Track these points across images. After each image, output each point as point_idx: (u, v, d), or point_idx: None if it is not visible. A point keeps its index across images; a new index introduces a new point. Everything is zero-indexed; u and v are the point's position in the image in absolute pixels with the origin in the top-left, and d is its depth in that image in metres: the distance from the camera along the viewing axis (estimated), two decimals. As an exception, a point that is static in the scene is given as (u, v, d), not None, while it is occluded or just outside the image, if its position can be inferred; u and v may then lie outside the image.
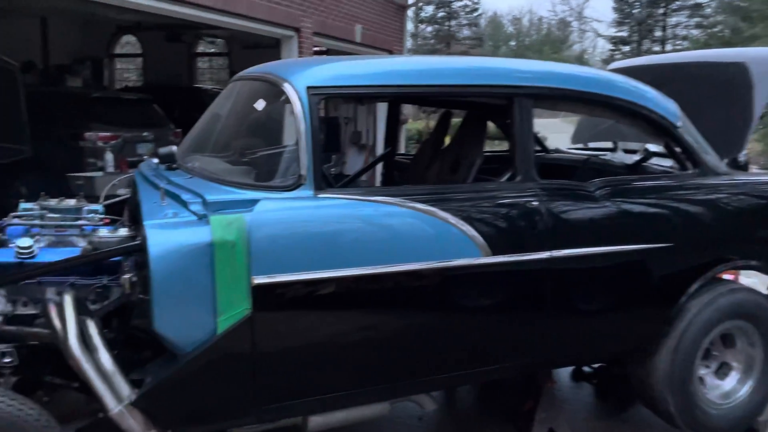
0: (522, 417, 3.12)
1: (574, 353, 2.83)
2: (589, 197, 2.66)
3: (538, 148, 3.68)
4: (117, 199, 3.20)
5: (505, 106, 2.62)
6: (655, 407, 2.93)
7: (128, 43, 15.64)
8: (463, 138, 3.16)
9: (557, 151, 4.04)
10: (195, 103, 9.13)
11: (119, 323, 2.45)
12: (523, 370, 2.87)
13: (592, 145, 4.05)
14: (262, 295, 2.12)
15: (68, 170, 6.00)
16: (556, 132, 9.20)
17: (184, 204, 2.22)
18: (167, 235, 2.08)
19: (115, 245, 2.35)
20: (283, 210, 2.20)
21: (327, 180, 2.32)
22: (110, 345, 2.27)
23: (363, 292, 2.26)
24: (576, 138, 4.21)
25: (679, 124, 2.88)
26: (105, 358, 2.08)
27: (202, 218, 2.13)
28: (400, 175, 3.68)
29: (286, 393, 2.23)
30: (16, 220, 2.63)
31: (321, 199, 2.25)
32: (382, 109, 9.29)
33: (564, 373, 3.72)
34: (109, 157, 6.79)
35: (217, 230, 2.09)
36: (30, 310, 2.41)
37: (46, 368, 2.33)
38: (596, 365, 3.61)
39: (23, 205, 2.68)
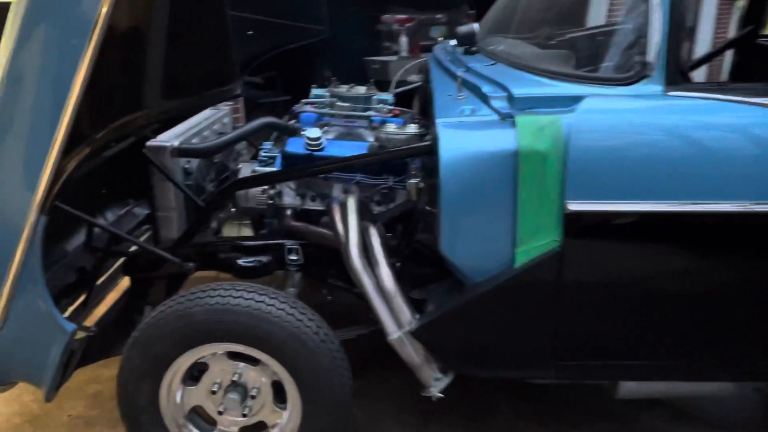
0: None
1: None
2: None
3: None
4: (407, 87, 2.90)
5: None
6: None
7: None
8: None
9: None
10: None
11: (403, 231, 2.18)
12: None
13: None
14: (578, 226, 1.60)
15: (366, 54, 6.01)
16: None
17: (484, 98, 1.76)
18: (462, 137, 1.66)
19: (403, 144, 2.02)
20: (618, 112, 1.60)
21: (682, 72, 1.63)
22: (392, 254, 2.02)
23: (726, 237, 1.61)
24: None
25: None
26: (386, 275, 1.82)
27: (506, 119, 1.65)
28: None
29: (595, 351, 1.75)
30: (308, 107, 2.48)
31: (674, 98, 1.59)
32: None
33: None
34: (403, 40, 6.64)
35: (524, 136, 1.60)
36: (317, 206, 2.27)
37: (330, 270, 2.19)
38: None
39: (315, 91, 2.51)
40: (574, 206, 1.58)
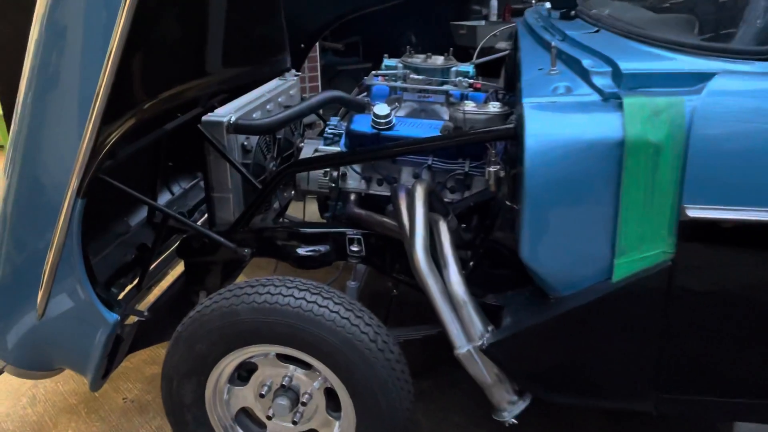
0: None
1: None
2: None
3: None
4: (491, 57, 2.59)
5: None
6: None
7: None
8: None
9: None
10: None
11: (479, 224, 1.91)
12: None
13: None
14: (697, 236, 1.29)
15: (454, 18, 5.66)
16: None
17: (584, 73, 1.45)
18: (554, 121, 1.37)
19: (482, 126, 1.75)
20: (758, 95, 1.26)
21: None
22: (465, 248, 1.77)
23: None
24: None
25: None
26: (456, 280, 1.57)
27: (610, 99, 1.34)
28: None
29: (707, 384, 1.44)
30: (378, 79, 2.24)
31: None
32: None
33: None
34: (493, 3, 6.21)
35: (633, 122, 1.29)
36: (384, 191, 2.04)
37: (394, 263, 1.97)
38: None
39: (387, 62, 2.26)
40: (693, 212, 1.27)
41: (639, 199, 1.31)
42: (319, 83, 4.90)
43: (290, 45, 3.08)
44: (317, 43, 4.90)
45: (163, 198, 2.62)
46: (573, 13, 1.75)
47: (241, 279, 1.99)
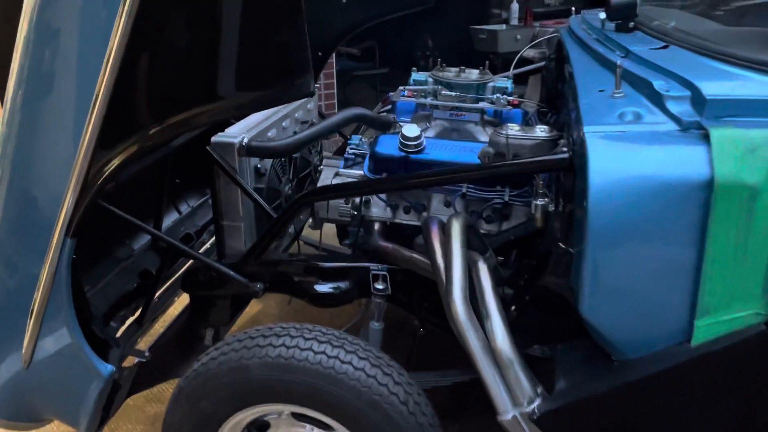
0: None
1: None
2: None
3: None
4: (528, 68, 2.38)
5: None
6: None
7: None
8: None
9: None
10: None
11: (521, 262, 1.71)
12: None
13: None
14: (802, 298, 1.08)
15: (472, 22, 5.44)
16: None
17: (656, 97, 1.23)
18: (624, 155, 1.16)
19: (527, 153, 1.53)
20: None
21: None
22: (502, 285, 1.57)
23: None
24: None
25: None
26: (501, 334, 1.35)
27: (691, 130, 1.13)
28: None
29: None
30: (405, 94, 2.03)
31: None
32: None
33: None
34: (514, 7, 5.99)
35: (723, 159, 1.08)
36: (412, 220, 1.83)
37: (423, 302, 1.76)
38: None
39: (415, 75, 2.05)
40: (800, 270, 1.05)
41: (729, 251, 1.09)
42: (335, 90, 4.70)
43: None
44: (331, 48, 4.70)
45: (170, 218, 2.44)
46: (632, 24, 1.54)
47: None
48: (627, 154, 1.16)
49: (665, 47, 1.41)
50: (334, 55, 4.82)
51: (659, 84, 1.24)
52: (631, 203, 1.14)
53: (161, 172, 2.08)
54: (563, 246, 1.37)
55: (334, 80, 4.66)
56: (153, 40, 1.34)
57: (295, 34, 1.56)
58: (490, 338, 1.36)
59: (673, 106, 1.19)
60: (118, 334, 1.89)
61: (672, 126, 1.16)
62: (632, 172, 1.14)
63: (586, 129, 1.19)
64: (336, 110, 4.68)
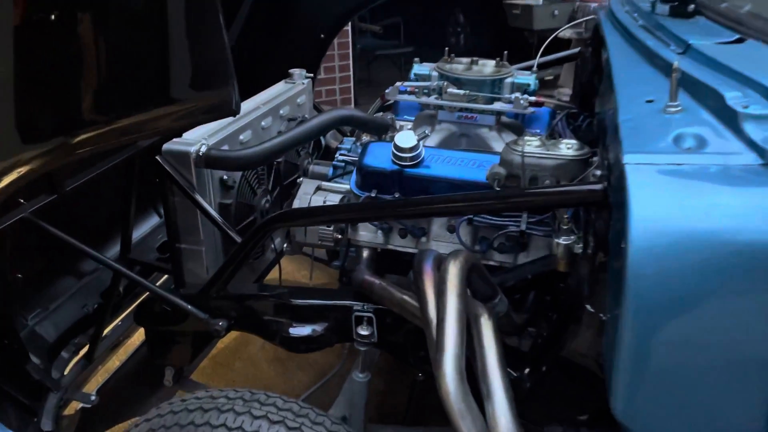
0: None
1: None
2: None
3: None
4: (559, 55, 2.01)
5: None
6: None
7: None
8: None
9: None
10: None
11: (539, 301, 1.37)
12: None
13: None
14: None
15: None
16: None
17: (728, 114, 0.88)
18: (679, 199, 0.82)
19: (548, 175, 1.19)
20: None
21: None
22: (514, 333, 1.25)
23: None
24: None
25: None
26: (506, 421, 1.02)
27: (782, 165, 0.78)
28: None
29: None
30: (405, 89, 1.69)
31: None
32: None
33: None
34: (552, -20, 5.53)
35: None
36: (408, 246, 1.51)
37: (418, 350, 1.44)
38: None
39: (417, 68, 1.70)
40: None
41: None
42: (351, 72, 4.35)
43: (308, 35, 2.55)
44: (350, 25, 4.35)
45: (148, 223, 2.16)
46: (692, 7, 1.17)
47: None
48: (685, 197, 0.82)
49: (740, 41, 1.04)
50: (351, 32, 4.47)
51: (733, 96, 0.89)
52: (688, 267, 0.80)
53: (128, 178, 1.80)
54: (591, 309, 1.03)
55: (350, 61, 4.31)
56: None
57: (217, 50, 1.23)
58: (490, 425, 1.03)
59: (753, 130, 0.84)
60: (67, 370, 1.63)
61: (751, 158, 0.82)
62: (691, 223, 0.80)
63: (626, 158, 0.85)
64: (352, 94, 4.33)
